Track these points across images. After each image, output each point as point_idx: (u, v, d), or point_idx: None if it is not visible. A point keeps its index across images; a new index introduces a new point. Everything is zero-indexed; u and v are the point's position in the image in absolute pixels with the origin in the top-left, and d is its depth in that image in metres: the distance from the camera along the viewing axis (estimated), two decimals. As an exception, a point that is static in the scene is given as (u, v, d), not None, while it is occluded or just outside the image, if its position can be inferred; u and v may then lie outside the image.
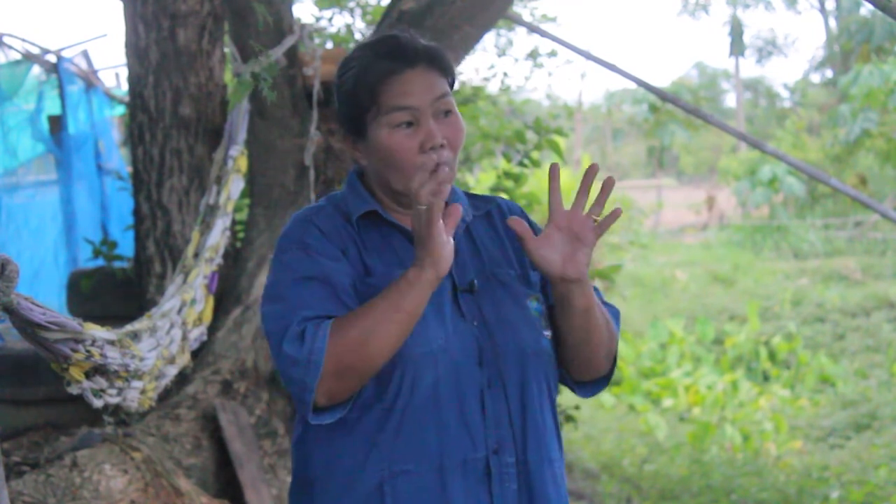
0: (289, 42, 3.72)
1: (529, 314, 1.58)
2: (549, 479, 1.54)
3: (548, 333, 1.60)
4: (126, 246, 4.91)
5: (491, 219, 1.67)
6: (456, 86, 1.67)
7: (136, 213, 4.23)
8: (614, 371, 1.67)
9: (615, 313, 1.68)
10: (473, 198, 1.69)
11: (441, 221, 1.41)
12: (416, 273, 1.43)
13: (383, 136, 1.53)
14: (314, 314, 1.44)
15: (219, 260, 3.40)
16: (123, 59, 4.27)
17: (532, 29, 5.51)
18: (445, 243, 1.43)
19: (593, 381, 1.67)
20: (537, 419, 1.55)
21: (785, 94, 38.59)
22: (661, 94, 4.74)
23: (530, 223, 1.65)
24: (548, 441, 1.56)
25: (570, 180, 17.43)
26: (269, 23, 2.84)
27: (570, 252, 1.49)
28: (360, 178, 1.63)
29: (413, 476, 1.47)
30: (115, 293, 4.49)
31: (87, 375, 2.40)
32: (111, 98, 6.33)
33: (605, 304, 1.66)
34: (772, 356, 11.74)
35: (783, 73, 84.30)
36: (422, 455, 1.47)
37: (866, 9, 22.92)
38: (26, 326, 2.09)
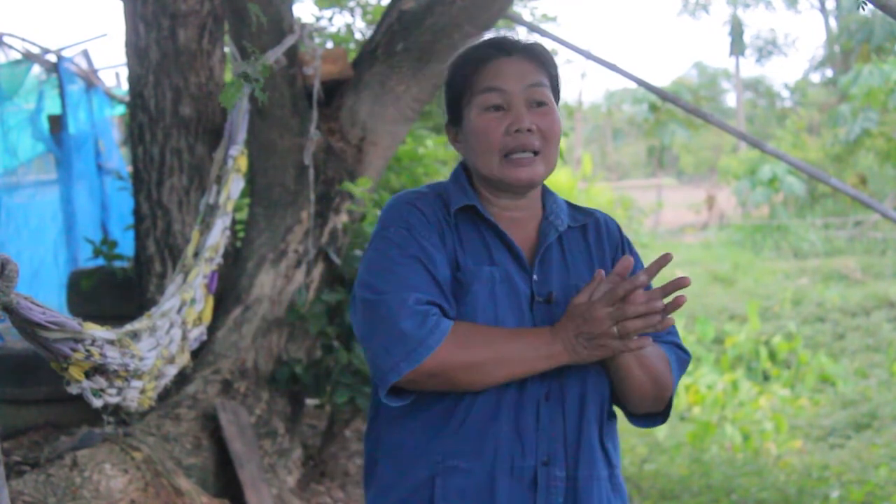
0: (289, 42, 3.72)
1: None
2: (595, 496, 1.54)
3: None
4: (126, 246, 4.91)
5: (585, 232, 1.67)
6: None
7: (136, 212, 4.23)
8: (669, 413, 1.65)
9: (681, 360, 1.64)
10: (574, 209, 1.70)
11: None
12: (560, 353, 1.47)
13: (473, 117, 1.56)
14: (427, 298, 1.47)
15: (219, 259, 3.40)
16: (123, 59, 4.28)
17: (532, 29, 5.51)
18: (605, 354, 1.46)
19: (644, 416, 1.66)
20: (591, 436, 1.55)
21: (785, 93, 38.60)
22: (661, 94, 4.73)
23: (624, 239, 1.69)
24: (597, 458, 1.55)
25: (570, 180, 17.47)
26: (263, 23, 2.83)
27: None
28: (465, 171, 1.65)
29: (465, 474, 1.49)
30: (115, 293, 4.50)
31: (87, 375, 2.40)
32: (111, 98, 6.34)
33: (677, 346, 1.65)
34: (772, 356, 11.72)
35: (783, 73, 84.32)
36: (478, 453, 1.49)
37: (866, 8, 22.86)
38: (26, 326, 2.08)
